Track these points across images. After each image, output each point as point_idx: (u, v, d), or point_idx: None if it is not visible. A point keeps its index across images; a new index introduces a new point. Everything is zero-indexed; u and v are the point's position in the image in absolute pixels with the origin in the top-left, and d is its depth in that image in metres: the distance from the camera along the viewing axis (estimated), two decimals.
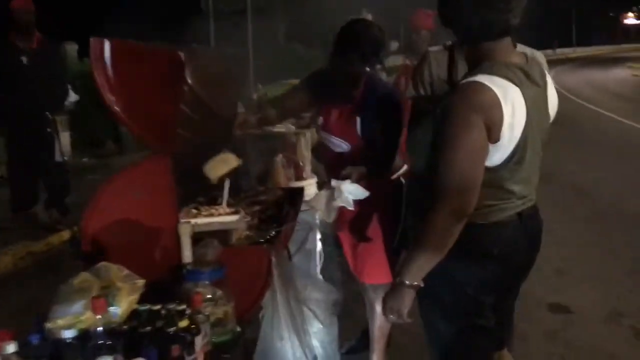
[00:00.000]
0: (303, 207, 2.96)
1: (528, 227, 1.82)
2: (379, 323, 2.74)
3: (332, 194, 2.22)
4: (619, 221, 5.37)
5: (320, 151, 3.06)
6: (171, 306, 1.51)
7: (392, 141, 2.54)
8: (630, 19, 40.65)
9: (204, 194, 2.32)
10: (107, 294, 1.46)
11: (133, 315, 1.50)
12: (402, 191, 2.54)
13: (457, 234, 1.64)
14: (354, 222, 2.64)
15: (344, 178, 2.31)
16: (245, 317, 1.92)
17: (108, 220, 1.88)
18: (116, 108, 1.86)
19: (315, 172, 4.15)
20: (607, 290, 3.94)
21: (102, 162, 8.20)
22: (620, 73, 24.62)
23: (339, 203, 2.21)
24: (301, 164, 3.81)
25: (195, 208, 2.16)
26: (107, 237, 1.89)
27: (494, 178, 1.69)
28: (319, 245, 3.32)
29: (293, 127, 4.66)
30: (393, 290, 1.73)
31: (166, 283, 1.78)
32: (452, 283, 1.79)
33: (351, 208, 2.23)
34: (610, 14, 39.58)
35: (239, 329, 1.79)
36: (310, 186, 3.76)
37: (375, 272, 2.64)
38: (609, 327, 3.47)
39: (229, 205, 2.39)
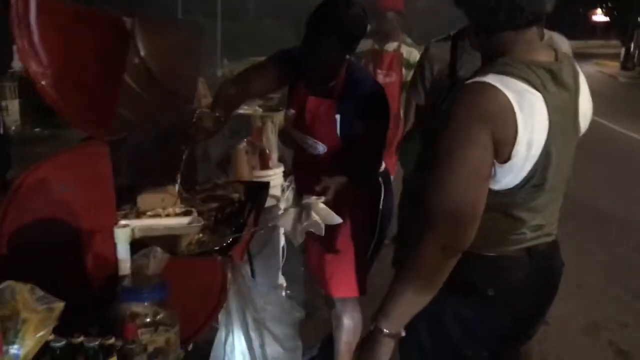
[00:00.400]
0: (268, 202, 2.66)
1: (540, 268, 1.46)
2: (345, 337, 2.46)
3: (301, 214, 1.89)
4: (594, 220, 5.25)
5: (292, 149, 2.67)
6: (93, 343, 1.18)
7: (377, 144, 2.19)
8: (598, 16, 41.12)
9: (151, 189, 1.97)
10: (7, 328, 1.13)
11: (43, 353, 1.17)
12: (379, 197, 2.26)
13: (449, 272, 1.32)
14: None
15: (318, 193, 1.96)
16: (192, 341, 1.61)
17: (27, 219, 1.54)
18: (42, 82, 1.50)
19: (282, 159, 3.84)
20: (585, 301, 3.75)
21: (55, 132, 7.67)
22: (588, 69, 24.86)
23: (307, 227, 1.88)
24: (267, 151, 3.50)
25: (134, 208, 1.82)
26: (25, 240, 1.55)
27: (500, 203, 1.37)
28: (283, 241, 3.03)
29: (260, 110, 4.33)
30: (368, 339, 1.39)
31: (96, 303, 1.46)
32: (436, 327, 1.47)
33: (321, 233, 1.91)
34: (580, 10, 39.92)
35: (182, 355, 1.49)
36: (276, 176, 3.45)
37: (343, 285, 2.35)
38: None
39: (181, 201, 2.07)
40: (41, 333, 1.17)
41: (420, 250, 1.32)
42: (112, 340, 1.22)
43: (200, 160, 3.96)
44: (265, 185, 2.39)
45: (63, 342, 1.17)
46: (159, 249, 1.59)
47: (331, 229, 2.09)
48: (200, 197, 2.24)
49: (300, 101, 2.26)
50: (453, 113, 1.32)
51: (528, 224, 1.41)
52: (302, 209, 1.88)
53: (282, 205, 2.75)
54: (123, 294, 1.44)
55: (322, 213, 1.86)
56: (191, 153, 3.69)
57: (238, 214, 2.05)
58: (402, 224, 1.53)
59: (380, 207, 2.28)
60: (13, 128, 7.71)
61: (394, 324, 1.36)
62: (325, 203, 1.90)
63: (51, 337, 1.20)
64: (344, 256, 2.28)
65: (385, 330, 1.36)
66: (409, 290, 1.34)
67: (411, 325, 1.39)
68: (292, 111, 2.31)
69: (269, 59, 2.30)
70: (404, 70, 3.99)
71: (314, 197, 1.90)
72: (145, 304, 1.43)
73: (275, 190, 3.22)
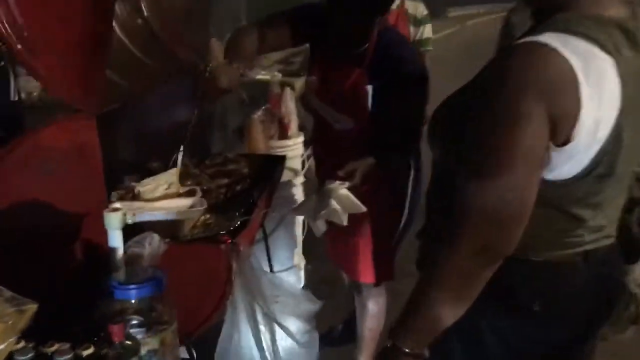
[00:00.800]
0: (285, 175, 2.45)
1: (598, 276, 1.22)
2: (369, 324, 2.29)
3: (322, 202, 1.68)
4: None
5: (314, 126, 2.40)
6: (65, 357, 1.00)
7: (415, 120, 1.93)
8: None
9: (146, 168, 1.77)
10: None
11: None
12: (408, 177, 2.03)
13: (485, 282, 1.09)
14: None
15: (342, 178, 1.73)
16: (194, 336, 1.44)
17: (6, 204, 1.36)
18: (18, 46, 1.30)
19: (302, 128, 3.62)
20: None
21: None
22: None
23: (326, 216, 1.67)
24: (286, 120, 3.27)
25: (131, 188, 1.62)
26: (5, 228, 1.38)
27: (554, 197, 1.12)
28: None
29: (279, 75, 4.09)
30: (384, 358, 1.18)
31: (84, 298, 1.29)
32: (469, 339, 1.24)
33: (342, 223, 1.69)
34: None
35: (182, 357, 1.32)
36: (295, 146, 3.23)
37: (369, 270, 2.16)
38: None
39: (187, 177, 1.87)
40: (7, 341, 1.00)
41: (451, 254, 1.09)
42: (90, 350, 1.04)
43: (217, 128, 3.77)
44: (281, 159, 2.17)
45: (30, 355, 1.00)
46: (155, 236, 1.41)
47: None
48: (210, 171, 2.04)
49: (324, 68, 2.01)
50: (497, 82, 1.07)
51: (587, 224, 1.17)
52: (322, 196, 1.67)
53: (299, 180, 2.54)
54: (111, 289, 1.27)
55: (344, 201, 1.65)
56: (202, 122, 3.50)
57: (249, 192, 1.85)
58: (429, 216, 1.32)
59: (409, 188, 2.05)
60: (35, 94, 7.57)
61: (417, 343, 1.14)
62: (350, 189, 1.68)
63: (19, 345, 1.03)
64: (368, 240, 2.07)
65: (405, 349, 1.15)
66: (435, 303, 1.11)
67: (441, 341, 1.17)
68: (314, 78, 2.07)
69: (289, 11, 2.05)
70: (411, 28, 3.62)
71: (337, 183, 1.69)
72: (133, 300, 1.26)
73: (294, 162, 3.01)
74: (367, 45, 1.90)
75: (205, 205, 1.50)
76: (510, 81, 1.05)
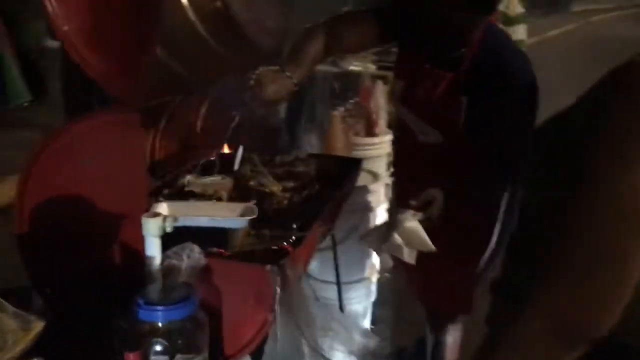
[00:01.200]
0: (364, 179, 2.26)
1: None
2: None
3: (388, 233, 1.47)
4: None
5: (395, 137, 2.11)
6: None
7: (519, 144, 1.55)
8: None
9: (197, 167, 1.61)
10: None
11: None
12: (500, 197, 1.76)
13: None
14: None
15: (416, 208, 1.49)
16: None
17: (47, 195, 1.27)
18: (64, 28, 1.19)
19: (392, 126, 3.39)
20: None
21: None
22: None
23: (390, 251, 1.46)
24: (374, 115, 3.07)
25: (180, 188, 1.48)
26: (46, 220, 1.29)
27: None
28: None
29: (372, 67, 3.87)
30: None
31: (107, 313, 1.17)
32: None
33: (405, 259, 1.47)
34: None
35: None
36: (381, 145, 3.02)
37: (447, 300, 1.92)
38: None
39: (250, 177, 1.72)
40: None
41: (523, 329, 0.85)
42: None
43: (306, 119, 3.61)
44: (356, 164, 1.97)
45: None
46: (195, 248, 1.26)
47: (437, 234, 1.65)
48: (279, 171, 1.88)
49: (412, 71, 1.77)
50: (610, 107, 0.83)
51: None
52: (390, 226, 1.46)
53: (380, 186, 2.33)
54: (136, 307, 1.13)
55: (410, 236, 1.43)
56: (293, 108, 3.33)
57: (312, 201, 1.67)
58: (509, 267, 1.06)
59: (501, 212, 1.77)
60: None
61: None
62: (425, 221, 1.45)
63: None
64: (448, 267, 1.82)
65: None
66: None
67: None
68: (401, 82, 1.83)
69: (372, 6, 1.80)
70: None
71: (410, 213, 1.46)
72: (161, 324, 1.12)
73: (378, 162, 2.81)
74: (466, 48, 1.62)
75: (256, 214, 1.33)
76: (627, 107, 0.80)
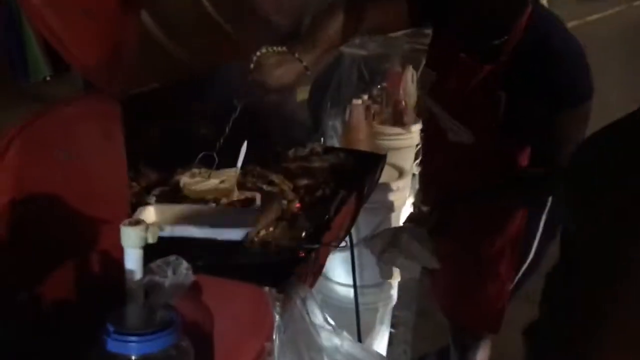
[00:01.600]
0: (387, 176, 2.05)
1: None
2: None
3: (393, 242, 1.27)
4: None
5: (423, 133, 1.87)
6: None
7: (566, 152, 1.26)
8: None
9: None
10: None
11: None
12: (543, 204, 1.54)
13: None
14: (462, 241, 1.65)
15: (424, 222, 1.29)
16: None
17: (20, 189, 1.10)
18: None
19: (423, 115, 3.16)
20: None
21: None
22: None
23: (389, 262, 1.27)
24: (403, 103, 2.85)
25: (174, 187, 1.30)
26: (18, 218, 1.12)
27: None
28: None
29: (405, 48, 3.62)
30: None
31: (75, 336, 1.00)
32: None
33: (413, 275, 1.28)
34: None
35: None
36: (410, 135, 2.81)
37: (474, 316, 1.72)
38: None
39: (256, 175, 1.53)
40: None
41: None
42: None
43: (331, 102, 3.38)
44: (379, 160, 1.76)
45: None
46: (182, 262, 1.08)
47: (470, 245, 1.44)
48: (293, 166, 1.69)
49: (445, 59, 1.54)
50: None
51: None
52: (396, 235, 1.27)
53: (404, 183, 2.13)
54: (105, 335, 0.96)
55: (413, 250, 1.24)
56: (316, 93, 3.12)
57: (329, 202, 1.48)
58: (548, 309, 0.86)
59: (541, 222, 1.56)
60: None
61: None
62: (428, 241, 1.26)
63: None
64: (479, 281, 1.62)
65: None
66: None
67: None
68: (432, 71, 1.60)
69: None
70: None
71: (412, 226, 1.27)
72: (134, 358, 0.94)
73: (405, 154, 2.60)
74: (508, 36, 1.38)
75: (260, 225, 1.14)
76: None
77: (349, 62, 3.56)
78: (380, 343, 2.33)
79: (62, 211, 1.12)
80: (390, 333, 2.42)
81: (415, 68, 2.95)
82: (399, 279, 2.25)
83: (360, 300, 2.07)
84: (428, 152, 1.80)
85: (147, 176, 1.45)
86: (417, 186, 2.12)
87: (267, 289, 1.06)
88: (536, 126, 1.36)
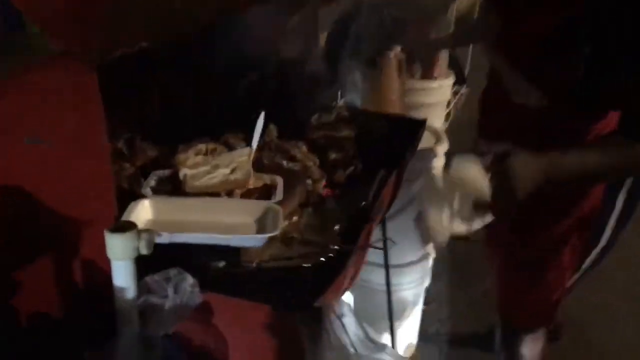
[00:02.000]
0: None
1: None
2: None
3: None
4: None
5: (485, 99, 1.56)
6: None
7: None
8: None
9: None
10: None
11: None
12: (615, 193, 1.29)
13: None
14: (519, 233, 1.41)
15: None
16: None
17: None
18: None
19: (455, 64, 2.85)
20: None
21: None
22: None
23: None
24: (434, 54, 2.54)
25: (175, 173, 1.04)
26: None
27: None
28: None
29: None
30: None
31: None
32: None
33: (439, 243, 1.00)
34: None
35: None
36: (441, 90, 2.53)
37: (528, 312, 1.49)
38: None
39: (277, 147, 1.27)
40: None
41: None
42: None
43: (349, 55, 3.08)
44: (419, 127, 1.49)
45: None
46: (188, 278, 0.84)
47: (530, 232, 1.18)
48: (318, 135, 1.42)
49: (513, 9, 1.24)
50: None
51: None
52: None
53: (442, 150, 1.85)
54: None
55: (466, 178, 0.96)
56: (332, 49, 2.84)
57: (364, 183, 1.22)
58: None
59: (619, 199, 1.30)
60: None
61: None
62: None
63: None
64: (535, 276, 1.37)
65: None
66: None
67: None
68: (496, 18, 1.30)
69: None
70: None
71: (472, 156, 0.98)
72: None
73: (434, 113, 2.33)
74: None
75: (278, 228, 0.90)
76: None
77: (369, 9, 3.25)
78: (413, 322, 2.12)
79: (33, 209, 0.89)
80: (423, 310, 2.20)
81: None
82: (434, 255, 2.01)
83: (393, 281, 1.86)
84: (485, 114, 1.52)
85: (144, 153, 1.21)
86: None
87: (291, 317, 0.83)
88: (623, 88, 1.08)
